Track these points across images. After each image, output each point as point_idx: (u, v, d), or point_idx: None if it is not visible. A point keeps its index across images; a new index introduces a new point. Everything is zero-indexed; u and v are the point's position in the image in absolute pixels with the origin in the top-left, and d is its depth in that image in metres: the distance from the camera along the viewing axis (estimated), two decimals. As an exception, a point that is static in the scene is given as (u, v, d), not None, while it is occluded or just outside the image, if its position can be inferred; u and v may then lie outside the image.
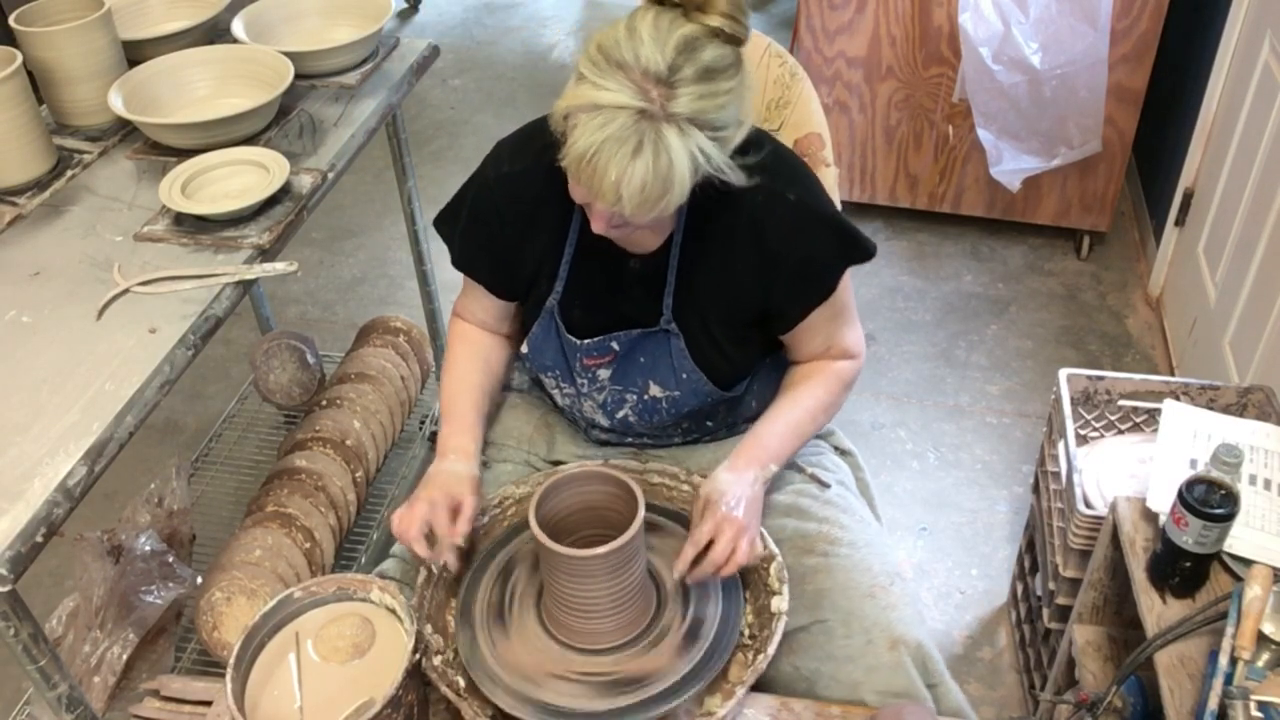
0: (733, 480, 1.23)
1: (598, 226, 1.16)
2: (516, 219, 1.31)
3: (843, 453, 1.52)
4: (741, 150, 1.15)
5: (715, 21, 1.06)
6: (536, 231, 1.31)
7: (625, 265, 1.30)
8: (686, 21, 1.07)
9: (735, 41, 1.09)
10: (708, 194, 1.21)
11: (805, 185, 1.27)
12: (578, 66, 1.08)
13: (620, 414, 1.38)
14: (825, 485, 1.39)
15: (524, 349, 1.39)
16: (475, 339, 1.44)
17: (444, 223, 1.39)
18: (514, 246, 1.33)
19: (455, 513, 1.25)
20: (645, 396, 1.35)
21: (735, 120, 1.11)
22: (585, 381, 1.36)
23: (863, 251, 1.29)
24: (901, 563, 2.17)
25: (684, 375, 1.32)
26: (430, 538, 1.23)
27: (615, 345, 1.32)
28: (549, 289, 1.32)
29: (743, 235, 1.24)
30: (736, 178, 1.13)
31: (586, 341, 1.32)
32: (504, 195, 1.31)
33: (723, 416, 1.42)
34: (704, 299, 1.29)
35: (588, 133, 1.05)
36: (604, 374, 1.34)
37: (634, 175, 1.05)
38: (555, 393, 1.43)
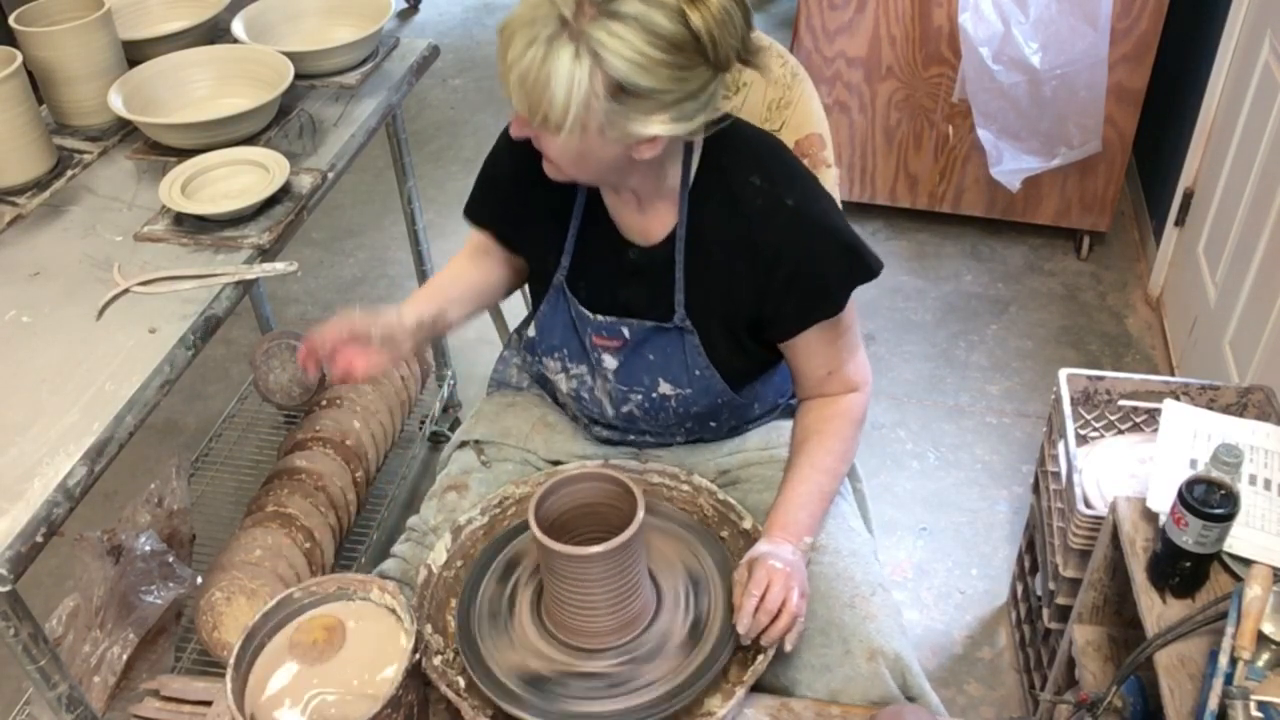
0: (773, 549, 1.21)
1: (513, 127, 1.16)
2: (529, 177, 1.27)
3: None
4: (736, 149, 1.20)
5: (696, 18, 1.04)
6: (545, 196, 1.30)
7: (625, 254, 1.30)
8: None
9: (700, 41, 1.05)
10: (709, 193, 1.22)
11: (805, 192, 1.25)
12: None
13: (625, 408, 1.38)
14: None
15: (531, 332, 1.40)
16: (479, 255, 1.46)
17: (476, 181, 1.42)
18: (521, 206, 1.35)
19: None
20: (654, 394, 1.34)
21: (659, 108, 1.08)
22: (597, 356, 1.35)
23: (865, 268, 1.27)
24: (902, 562, 2.17)
25: (697, 373, 1.31)
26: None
27: (626, 332, 1.31)
28: (556, 263, 1.33)
29: (740, 238, 1.23)
30: (646, 153, 1.13)
31: (599, 318, 1.31)
32: (520, 148, 1.24)
33: (726, 418, 1.42)
34: (711, 299, 1.28)
35: (516, 11, 1.07)
36: (610, 363, 1.33)
37: (522, 61, 1.05)
38: (561, 379, 1.40)
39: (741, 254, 1.24)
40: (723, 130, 1.20)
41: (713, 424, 1.42)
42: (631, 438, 1.45)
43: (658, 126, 1.09)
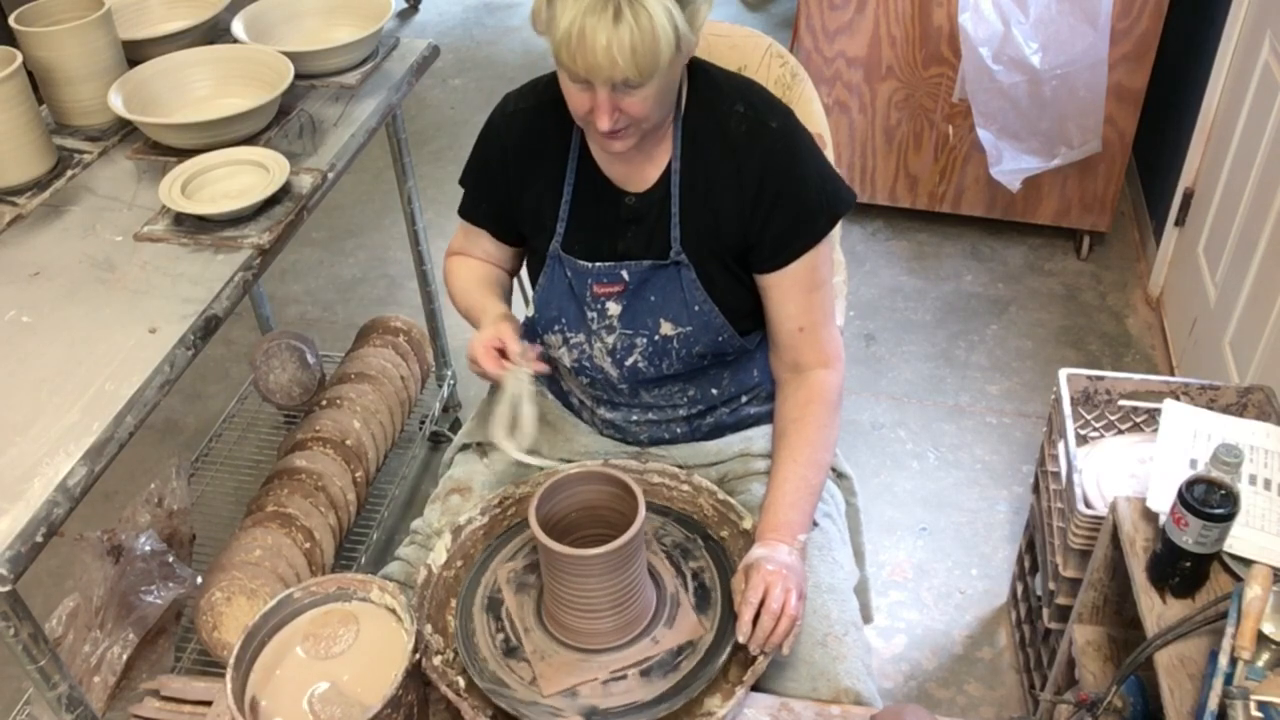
0: (769, 552, 1.22)
1: (603, 122, 1.17)
2: (520, 155, 1.35)
3: (839, 475, 1.50)
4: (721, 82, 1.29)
5: None
6: (538, 170, 1.35)
7: (622, 203, 1.33)
8: None
9: None
10: (698, 126, 1.28)
11: (788, 119, 1.30)
12: None
13: (630, 360, 1.37)
14: (813, 524, 1.36)
15: (530, 311, 1.42)
16: (478, 262, 1.49)
17: (464, 175, 1.43)
18: (517, 186, 1.37)
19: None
20: (656, 337, 1.35)
21: (696, 3, 1.16)
22: (595, 316, 1.35)
23: (840, 197, 1.32)
24: (902, 562, 2.17)
25: (696, 308, 1.32)
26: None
27: (625, 275, 1.33)
28: (551, 232, 1.35)
29: (728, 163, 1.28)
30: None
31: (597, 265, 1.33)
32: (509, 132, 1.36)
33: (727, 383, 1.42)
34: (705, 231, 1.31)
35: (568, 9, 1.10)
36: (614, 309, 1.34)
37: (622, 39, 1.09)
38: (563, 353, 1.40)
39: (730, 179, 1.28)
40: (706, 72, 1.31)
41: (714, 390, 1.42)
42: (634, 417, 1.45)
43: (701, 16, 1.17)
